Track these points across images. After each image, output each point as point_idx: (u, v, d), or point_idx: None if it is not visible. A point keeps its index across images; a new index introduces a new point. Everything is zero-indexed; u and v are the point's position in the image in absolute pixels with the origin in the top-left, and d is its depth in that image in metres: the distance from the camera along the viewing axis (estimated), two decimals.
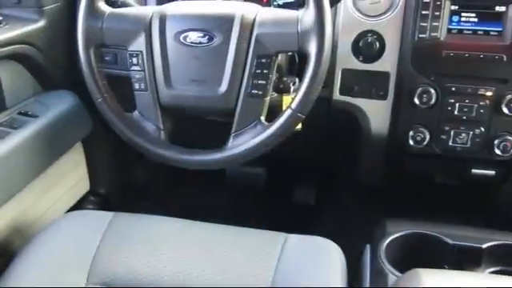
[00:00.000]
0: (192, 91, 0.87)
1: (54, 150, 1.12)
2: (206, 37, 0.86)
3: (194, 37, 0.86)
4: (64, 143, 1.17)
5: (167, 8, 0.90)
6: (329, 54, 0.82)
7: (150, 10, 0.91)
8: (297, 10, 0.84)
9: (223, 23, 0.86)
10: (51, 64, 1.13)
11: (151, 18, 0.89)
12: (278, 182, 1.62)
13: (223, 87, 0.86)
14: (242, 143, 0.86)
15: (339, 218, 1.43)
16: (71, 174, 1.27)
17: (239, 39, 0.84)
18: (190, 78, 0.87)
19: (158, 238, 0.90)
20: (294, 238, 0.91)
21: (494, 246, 0.95)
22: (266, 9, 0.89)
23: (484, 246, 0.95)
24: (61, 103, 1.14)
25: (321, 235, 0.93)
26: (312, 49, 0.80)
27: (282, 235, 0.92)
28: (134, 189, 1.58)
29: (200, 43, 0.86)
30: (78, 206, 1.30)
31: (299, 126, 1.01)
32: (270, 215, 1.44)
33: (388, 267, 0.90)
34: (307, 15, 0.81)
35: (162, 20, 0.88)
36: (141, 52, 0.89)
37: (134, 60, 0.89)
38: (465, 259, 0.93)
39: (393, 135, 1.08)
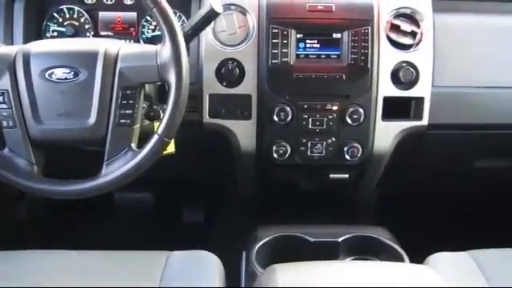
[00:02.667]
0: (61, 125, 0.91)
1: None
2: (72, 73, 0.91)
3: (59, 73, 0.91)
4: None
5: (31, 46, 0.94)
6: (187, 82, 0.90)
7: (14, 49, 0.94)
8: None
9: (87, 59, 0.91)
10: None
11: (15, 57, 0.92)
12: (166, 205, 1.68)
13: (92, 119, 0.91)
14: (114, 170, 0.91)
15: (224, 231, 1.52)
16: None
17: (104, 73, 0.91)
18: (58, 113, 0.91)
19: (41, 272, 0.91)
20: (176, 255, 0.98)
21: (349, 238, 1.10)
22: (128, 44, 0.96)
23: (340, 239, 1.10)
24: None
25: (208, 250, 1.00)
26: (172, 79, 0.89)
27: (164, 253, 0.98)
28: (17, 226, 1.54)
29: (66, 79, 0.91)
30: None
31: (173, 149, 1.09)
32: (161, 237, 1.49)
33: (258, 269, 1.00)
34: (164, 50, 0.89)
35: (26, 58, 0.91)
36: (6, 90, 0.91)
37: (0, 98, 0.91)
38: (324, 253, 1.06)
39: (259, 150, 1.19)
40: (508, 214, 1.58)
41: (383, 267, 0.85)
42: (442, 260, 0.95)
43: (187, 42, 1.00)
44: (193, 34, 1.03)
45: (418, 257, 1.05)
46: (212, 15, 0.99)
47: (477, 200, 1.56)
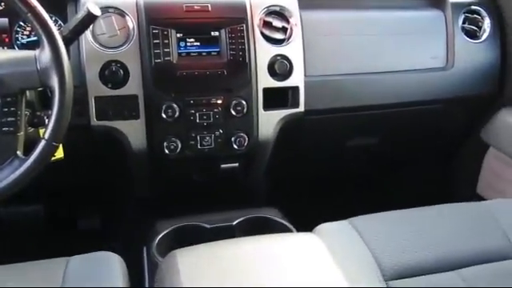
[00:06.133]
0: None
1: None
2: None
3: None
4: None
5: None
6: (71, 85, 0.91)
7: None
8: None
9: None
10: None
11: None
12: (60, 214, 1.63)
13: None
14: (1, 180, 0.89)
15: (124, 231, 1.52)
16: None
17: None
18: None
19: None
20: (76, 259, 0.97)
21: (242, 220, 1.18)
22: (4, 50, 0.94)
23: (234, 222, 1.18)
24: None
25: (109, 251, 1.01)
26: (54, 83, 0.89)
27: (63, 260, 0.97)
28: None
29: None
30: None
31: (61, 155, 1.08)
32: (57, 248, 1.44)
33: (160, 259, 1.04)
34: (44, 54, 0.89)
35: None
36: None
37: None
38: (222, 237, 1.12)
39: (151, 148, 1.22)
40: (380, 183, 1.79)
41: (271, 238, 0.93)
42: (325, 229, 1.06)
43: (66, 45, 1.00)
44: (72, 38, 1.02)
45: (306, 230, 1.16)
46: (90, 18, 1.00)
47: (353, 174, 1.74)
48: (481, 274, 0.95)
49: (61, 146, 1.04)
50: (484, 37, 1.46)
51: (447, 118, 1.53)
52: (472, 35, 1.46)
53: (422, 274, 0.94)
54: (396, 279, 0.93)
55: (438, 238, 1.01)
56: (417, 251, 0.98)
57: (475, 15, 1.46)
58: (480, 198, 1.57)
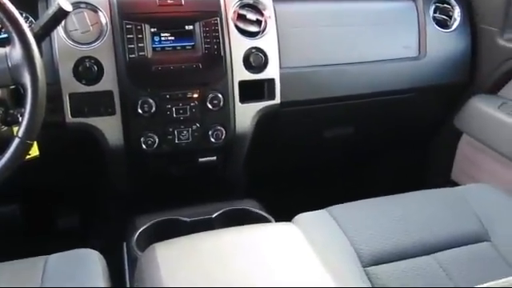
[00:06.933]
0: None
1: None
2: None
3: None
4: None
5: None
6: (44, 82, 0.89)
7: None
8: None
9: None
10: None
11: None
12: (38, 214, 1.61)
13: None
14: None
15: (104, 228, 1.51)
16: None
17: None
18: None
19: None
20: (54, 257, 0.97)
21: (221, 213, 1.19)
22: None
23: (214, 215, 1.18)
24: None
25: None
26: (26, 80, 0.88)
27: (42, 258, 0.96)
28: None
29: None
30: None
31: (36, 153, 1.07)
32: (36, 249, 1.43)
33: (140, 254, 1.04)
34: (15, 51, 0.87)
35: None
36: None
37: None
38: (201, 230, 1.13)
39: (128, 144, 1.21)
40: (357, 172, 1.81)
41: (250, 229, 0.95)
42: (304, 218, 1.08)
43: (38, 42, 0.98)
44: (43, 35, 1.01)
45: (285, 221, 1.17)
46: (61, 14, 0.99)
47: (330, 164, 1.76)
48: (456, 257, 0.98)
49: (36, 144, 1.03)
50: (454, 26, 1.49)
51: (421, 106, 1.56)
52: (443, 25, 1.48)
53: (399, 260, 0.96)
54: (374, 265, 0.95)
55: (414, 224, 1.04)
56: (393, 237, 1.00)
57: (445, 5, 1.49)
58: (454, 184, 1.60)
